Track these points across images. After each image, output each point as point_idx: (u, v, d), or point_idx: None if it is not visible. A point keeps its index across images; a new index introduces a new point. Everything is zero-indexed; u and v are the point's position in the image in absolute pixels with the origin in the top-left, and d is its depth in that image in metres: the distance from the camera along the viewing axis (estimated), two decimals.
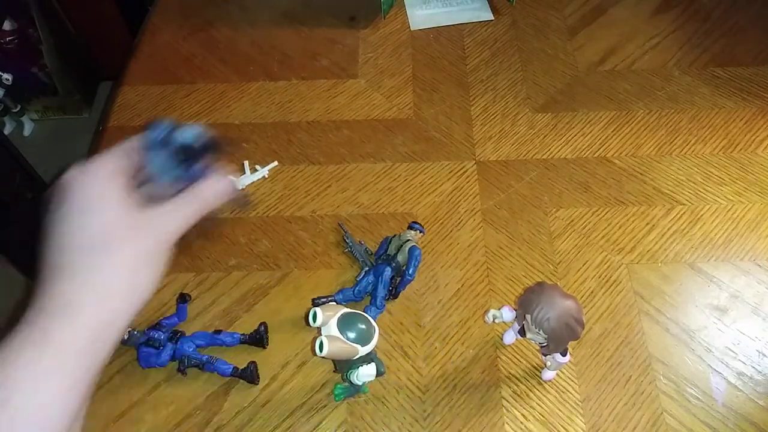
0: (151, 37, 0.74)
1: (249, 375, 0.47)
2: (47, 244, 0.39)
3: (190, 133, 0.39)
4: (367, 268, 0.52)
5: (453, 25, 0.73)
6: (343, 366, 0.44)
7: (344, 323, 0.41)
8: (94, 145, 0.64)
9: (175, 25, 0.75)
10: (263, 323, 0.49)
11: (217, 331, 0.49)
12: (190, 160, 0.40)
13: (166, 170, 0.40)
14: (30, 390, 0.33)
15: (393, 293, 0.51)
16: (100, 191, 0.39)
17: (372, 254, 0.53)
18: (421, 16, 0.74)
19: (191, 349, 0.47)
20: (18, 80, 1.57)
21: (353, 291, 0.50)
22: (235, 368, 0.47)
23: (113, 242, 0.38)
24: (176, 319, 0.50)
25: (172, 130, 0.39)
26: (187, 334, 0.48)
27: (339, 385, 0.46)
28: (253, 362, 0.47)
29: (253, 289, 0.53)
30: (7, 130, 1.69)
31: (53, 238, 0.38)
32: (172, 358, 0.47)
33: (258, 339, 0.48)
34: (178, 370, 0.47)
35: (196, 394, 0.47)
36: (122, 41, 1.25)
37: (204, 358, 0.47)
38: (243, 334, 0.49)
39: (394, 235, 0.52)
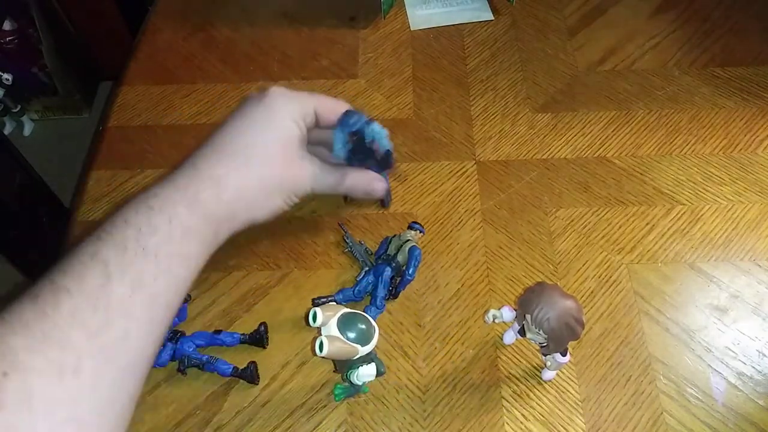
0: (151, 37, 0.74)
1: (249, 375, 0.47)
2: (223, 126, 0.44)
3: (380, 135, 0.46)
4: (367, 268, 0.52)
5: (453, 25, 0.73)
6: (343, 366, 0.44)
7: (344, 323, 0.41)
8: (94, 145, 0.64)
9: (175, 25, 0.75)
10: (263, 323, 0.49)
11: (217, 331, 0.49)
12: (361, 155, 0.47)
13: (341, 148, 0.47)
14: (180, 239, 0.37)
15: (393, 293, 0.51)
16: (292, 117, 0.45)
17: (372, 254, 0.53)
18: (421, 16, 0.74)
19: (191, 349, 0.47)
20: (18, 80, 1.57)
21: (353, 291, 0.50)
22: (235, 368, 0.47)
23: (270, 159, 0.44)
24: (176, 319, 0.50)
25: (366, 123, 0.46)
26: (187, 334, 0.48)
27: (339, 385, 0.47)
28: (253, 362, 0.47)
29: (253, 289, 0.53)
30: (7, 130, 1.69)
31: (230, 125, 0.44)
32: (172, 358, 0.47)
33: (258, 339, 0.48)
34: (178, 370, 0.47)
35: (196, 394, 0.47)
36: (122, 41, 1.26)
37: (204, 358, 0.47)
38: (243, 334, 0.49)
39: (395, 235, 0.52)
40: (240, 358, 0.48)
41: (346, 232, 0.54)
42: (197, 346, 0.48)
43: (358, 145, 0.46)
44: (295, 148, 0.45)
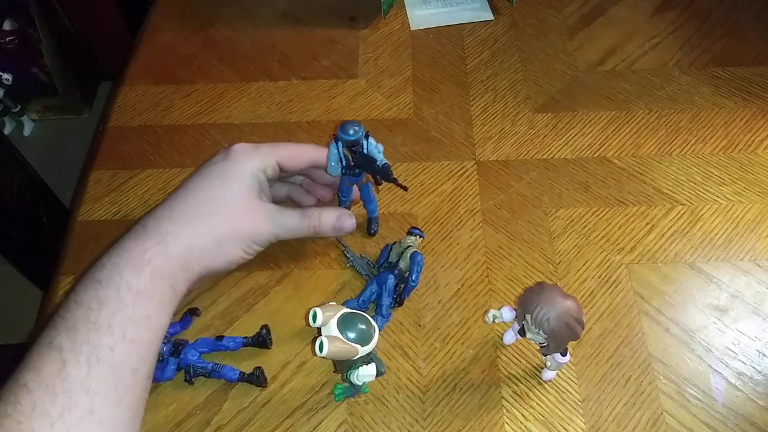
0: (151, 37, 0.74)
1: (256, 379, 0.46)
2: (184, 182, 0.46)
3: (377, 151, 0.47)
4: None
5: (453, 25, 0.73)
6: (343, 366, 0.44)
7: (344, 323, 0.41)
8: (94, 145, 0.64)
9: (175, 25, 0.75)
10: (264, 326, 0.49)
11: (219, 337, 0.48)
12: (363, 165, 0.48)
13: (335, 165, 0.48)
14: (132, 303, 0.39)
15: (398, 301, 0.51)
16: (250, 169, 0.46)
17: (374, 266, 0.53)
18: (421, 16, 0.74)
19: (195, 358, 0.47)
20: (18, 80, 1.57)
21: (357, 301, 0.50)
22: (242, 373, 0.47)
23: (222, 211, 0.45)
24: (179, 327, 0.49)
25: (365, 135, 0.46)
26: (189, 342, 0.48)
27: (339, 385, 0.47)
28: (259, 367, 0.47)
29: (253, 289, 0.53)
30: (7, 130, 1.69)
31: (189, 183, 0.46)
32: (178, 368, 0.47)
33: (261, 342, 0.48)
34: (185, 380, 0.47)
35: (196, 394, 0.47)
36: (122, 41, 1.26)
37: (209, 366, 0.47)
38: (245, 338, 0.48)
39: (394, 242, 0.52)
40: (239, 358, 0.48)
41: (345, 248, 0.54)
42: (200, 353, 0.48)
43: (358, 155, 0.47)
44: (253, 198, 0.46)
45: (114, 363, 0.37)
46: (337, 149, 0.48)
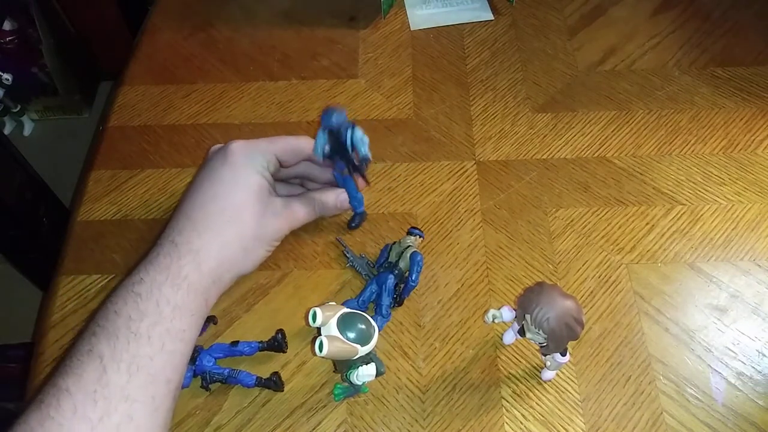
0: (151, 37, 0.74)
1: (274, 384, 0.46)
2: (190, 194, 0.46)
3: (361, 143, 0.47)
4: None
5: (453, 25, 0.73)
6: (343, 366, 0.44)
7: (344, 323, 0.41)
8: (94, 145, 0.64)
9: (175, 25, 0.75)
10: (280, 330, 0.48)
11: (234, 343, 0.48)
12: (338, 154, 0.48)
13: (320, 149, 0.48)
14: (171, 317, 0.40)
15: (398, 301, 0.51)
16: (255, 170, 0.47)
17: (374, 266, 0.53)
18: (421, 16, 0.74)
19: (211, 364, 0.47)
20: (18, 80, 1.57)
21: (357, 301, 0.50)
22: (259, 378, 0.46)
23: (243, 218, 0.46)
24: None
25: (349, 126, 0.47)
26: (204, 348, 0.48)
27: (339, 385, 0.47)
28: (276, 373, 0.47)
29: (253, 289, 0.53)
30: (7, 130, 1.69)
31: (199, 190, 0.46)
32: (194, 375, 0.47)
33: (276, 346, 0.48)
34: (202, 386, 0.47)
35: (196, 393, 0.47)
36: (122, 41, 1.26)
37: (225, 372, 0.46)
38: (260, 342, 0.48)
39: (394, 242, 0.52)
40: (240, 360, 0.48)
41: (345, 247, 0.54)
42: (216, 358, 0.47)
43: (335, 143, 0.47)
44: (265, 198, 0.47)
45: (152, 372, 0.38)
46: (324, 136, 0.48)
